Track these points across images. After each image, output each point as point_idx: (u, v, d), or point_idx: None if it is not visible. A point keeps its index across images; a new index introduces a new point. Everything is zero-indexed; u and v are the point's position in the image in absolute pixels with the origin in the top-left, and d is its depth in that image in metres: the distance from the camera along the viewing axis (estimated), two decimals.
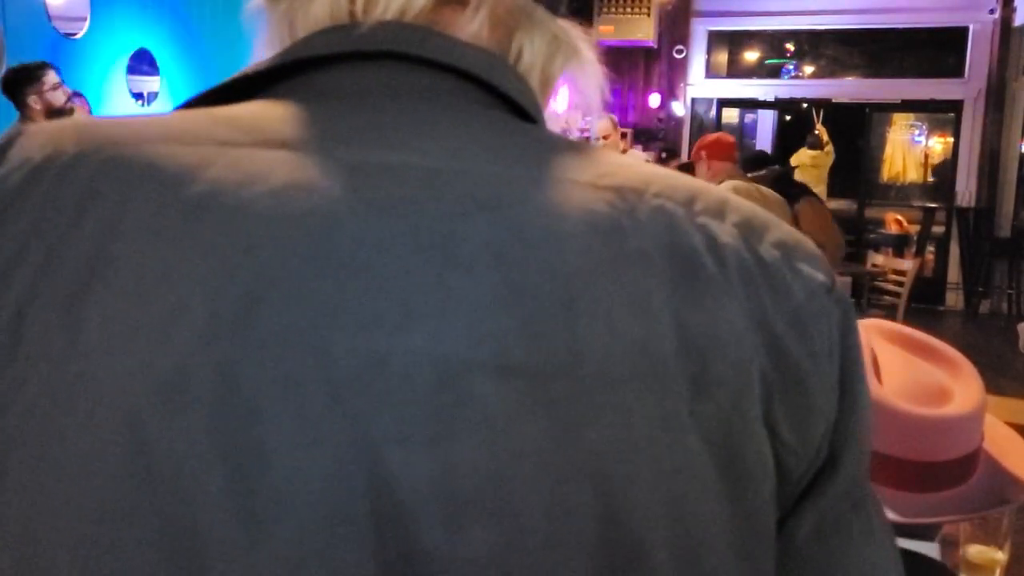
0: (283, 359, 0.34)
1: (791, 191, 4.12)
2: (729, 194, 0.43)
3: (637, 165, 0.43)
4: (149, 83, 5.60)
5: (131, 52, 5.36)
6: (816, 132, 9.00)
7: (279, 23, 0.46)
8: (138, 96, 5.48)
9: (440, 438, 0.34)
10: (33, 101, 3.91)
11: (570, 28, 0.48)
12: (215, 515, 0.33)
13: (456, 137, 0.40)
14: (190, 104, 0.43)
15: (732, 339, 0.38)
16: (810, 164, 8.88)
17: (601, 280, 0.37)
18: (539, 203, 0.38)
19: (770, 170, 4.53)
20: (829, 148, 8.88)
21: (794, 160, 8.94)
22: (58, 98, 3.96)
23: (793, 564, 0.41)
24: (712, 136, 4.17)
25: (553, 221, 0.38)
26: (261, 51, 0.47)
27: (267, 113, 0.40)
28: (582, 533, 0.35)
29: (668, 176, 0.42)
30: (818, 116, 9.03)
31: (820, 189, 8.81)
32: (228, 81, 0.44)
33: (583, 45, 0.48)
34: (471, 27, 0.44)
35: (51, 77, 3.98)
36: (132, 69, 5.39)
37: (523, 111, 0.44)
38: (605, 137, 5.62)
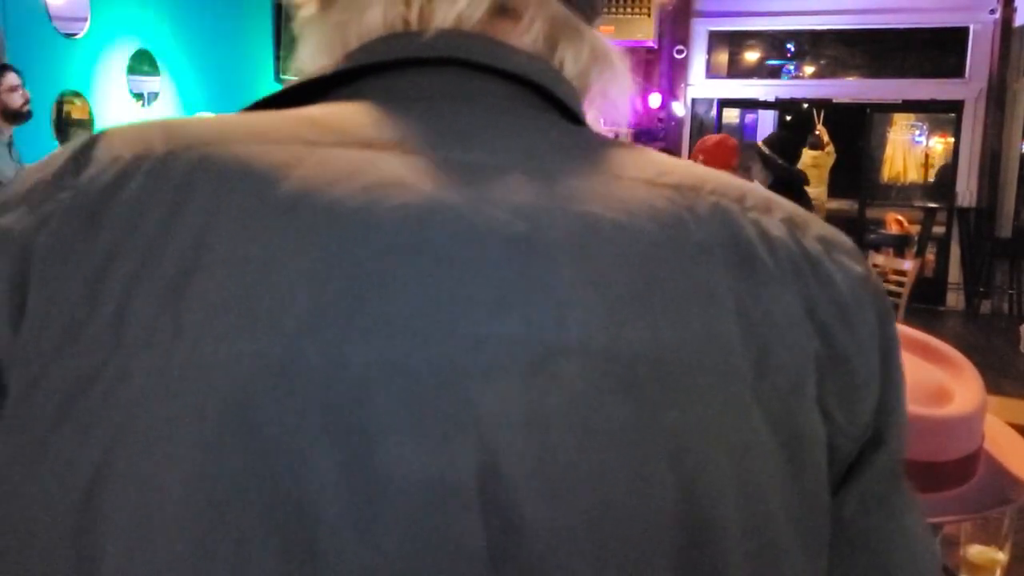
0: (387, 344, 0.36)
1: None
2: (769, 192, 0.46)
3: (688, 164, 0.45)
4: (149, 83, 5.60)
5: (131, 52, 5.36)
6: (817, 133, 9.00)
7: (332, 32, 0.48)
8: (138, 96, 5.48)
9: (534, 418, 0.36)
10: None
11: (604, 39, 0.51)
12: (327, 493, 0.34)
13: (524, 138, 0.43)
14: (256, 107, 0.45)
15: (789, 326, 0.41)
16: (811, 164, 8.87)
17: (671, 271, 0.39)
18: (608, 199, 0.41)
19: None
20: (830, 148, 8.88)
21: None
22: (15, 100, 4.07)
23: (841, 536, 0.43)
24: (712, 140, 4.12)
25: (623, 216, 0.40)
26: (309, 58, 0.49)
27: (344, 115, 0.43)
28: (663, 507, 0.37)
29: (718, 175, 0.45)
30: (819, 117, 9.03)
31: (821, 189, 8.80)
32: (295, 84, 0.46)
33: (616, 56, 0.51)
34: (526, 39, 0.47)
35: (10, 79, 4.07)
36: (132, 69, 5.39)
37: (573, 114, 0.47)
38: None
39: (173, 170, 0.38)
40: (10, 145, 4.12)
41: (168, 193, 0.37)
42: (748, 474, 0.39)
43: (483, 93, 0.45)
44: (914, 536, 0.46)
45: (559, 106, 0.46)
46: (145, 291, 0.36)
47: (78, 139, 0.41)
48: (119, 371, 0.35)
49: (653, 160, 0.45)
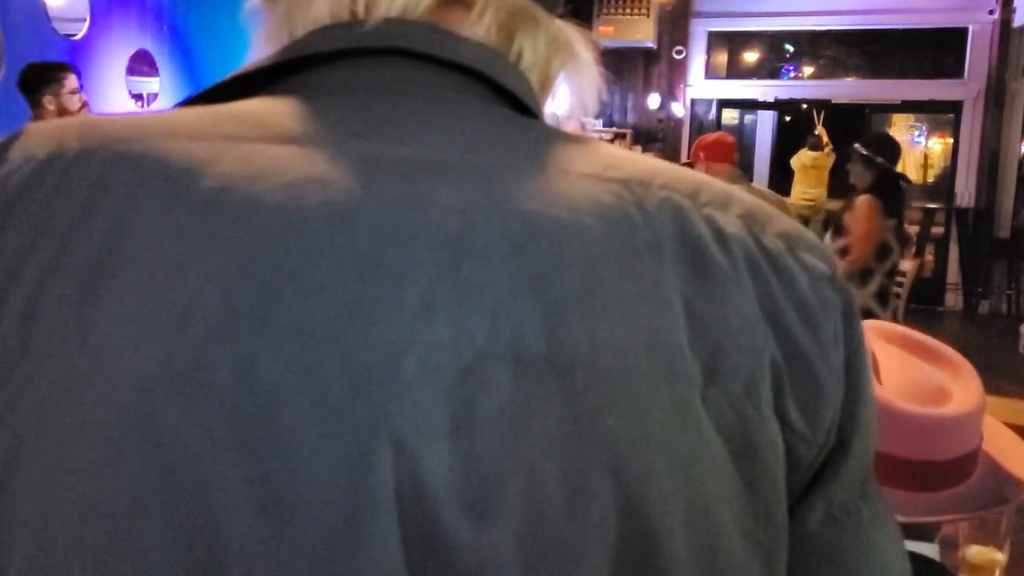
0: (301, 351, 0.34)
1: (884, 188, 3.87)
2: (731, 187, 0.44)
3: (640, 158, 0.43)
4: (148, 84, 5.59)
5: (131, 53, 5.36)
6: (817, 133, 8.99)
7: (278, 23, 0.46)
8: (137, 97, 5.48)
9: (460, 428, 0.34)
10: (48, 101, 3.87)
11: (569, 29, 0.48)
12: (235, 509, 0.32)
13: (465, 131, 0.41)
14: (189, 102, 0.43)
15: (743, 327, 0.39)
16: (811, 165, 8.87)
17: (614, 270, 0.37)
18: (550, 195, 0.39)
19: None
20: (829, 150, 8.88)
21: (794, 161, 8.93)
22: (73, 103, 3.92)
23: (804, 550, 0.41)
24: (711, 136, 4.15)
25: (564, 213, 0.38)
26: (259, 50, 0.47)
27: (273, 109, 0.41)
28: (602, 521, 0.35)
29: (672, 169, 0.43)
30: (819, 118, 9.02)
31: (821, 190, 8.80)
32: (228, 79, 0.44)
33: (581, 47, 0.49)
34: (477, 29, 0.44)
35: (71, 81, 3.93)
36: (132, 70, 5.38)
37: (524, 107, 0.44)
38: None
39: (87, 169, 0.36)
40: None
41: (81, 193, 0.36)
42: (696, 486, 0.36)
43: (424, 84, 0.43)
44: (883, 551, 0.43)
45: (510, 98, 0.44)
46: (53, 296, 0.34)
47: None
48: (24, 379, 0.33)
49: (603, 154, 0.42)
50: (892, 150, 4.11)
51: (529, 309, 0.36)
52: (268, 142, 0.38)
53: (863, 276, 3.79)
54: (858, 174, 3.96)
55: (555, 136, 0.43)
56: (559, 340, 0.36)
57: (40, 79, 3.89)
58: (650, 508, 0.36)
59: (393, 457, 0.33)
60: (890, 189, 3.90)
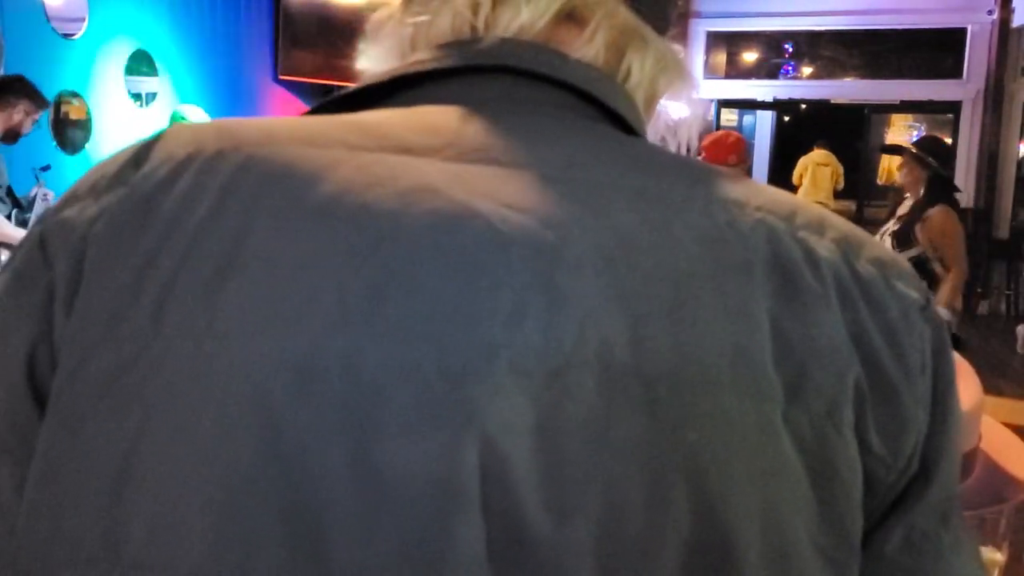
0: (403, 347, 0.36)
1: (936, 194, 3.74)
2: (827, 211, 0.45)
3: (738, 179, 0.44)
4: (147, 84, 5.59)
5: (130, 53, 5.36)
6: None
7: (403, 35, 0.50)
8: (136, 97, 5.48)
9: (546, 431, 0.36)
10: (7, 114, 4.02)
11: (674, 48, 0.51)
12: (336, 489, 0.35)
13: (567, 148, 0.43)
14: (316, 110, 0.47)
15: (829, 350, 0.39)
16: (822, 162, 8.88)
17: (704, 287, 0.39)
18: (645, 212, 0.40)
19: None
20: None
21: (804, 160, 8.95)
22: (19, 123, 4.09)
23: (881, 573, 0.41)
24: (711, 136, 4.03)
25: (658, 229, 0.40)
26: (380, 60, 0.51)
27: (392, 121, 0.44)
28: (677, 528, 0.36)
29: (769, 191, 0.44)
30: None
31: (828, 192, 8.80)
32: (353, 90, 0.48)
33: (684, 67, 0.51)
34: (588, 49, 0.47)
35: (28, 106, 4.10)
36: (130, 70, 5.38)
37: (628, 125, 0.46)
38: None
39: (220, 169, 0.40)
40: None
41: (213, 192, 0.39)
42: (773, 501, 0.37)
43: (532, 101, 0.45)
44: None
45: (614, 117, 0.46)
46: (184, 286, 0.37)
47: (142, 137, 0.43)
48: (155, 359, 0.37)
49: (701, 173, 0.43)
50: (944, 154, 3.94)
51: (617, 320, 0.37)
52: (385, 152, 0.41)
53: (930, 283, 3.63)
54: (908, 173, 3.84)
55: (656, 155, 0.45)
56: (645, 351, 0.37)
57: (16, 90, 4.05)
58: (727, 519, 0.37)
59: (481, 453, 0.35)
60: (944, 194, 3.76)
